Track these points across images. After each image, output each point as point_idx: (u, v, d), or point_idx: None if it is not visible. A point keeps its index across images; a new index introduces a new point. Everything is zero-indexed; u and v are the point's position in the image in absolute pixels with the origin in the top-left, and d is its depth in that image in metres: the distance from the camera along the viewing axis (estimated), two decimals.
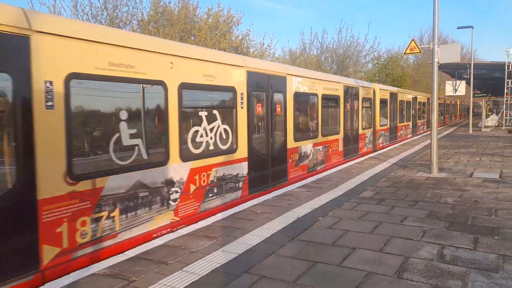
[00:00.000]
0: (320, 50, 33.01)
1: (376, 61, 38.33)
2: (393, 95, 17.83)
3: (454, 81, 25.39)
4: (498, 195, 6.97)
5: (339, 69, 31.71)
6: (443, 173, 9.35)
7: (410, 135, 21.84)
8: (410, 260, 4.09)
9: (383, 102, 16.30)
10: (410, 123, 21.85)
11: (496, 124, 28.59)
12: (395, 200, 6.74)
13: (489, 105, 39.07)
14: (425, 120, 26.59)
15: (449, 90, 24.91)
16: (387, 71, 38.39)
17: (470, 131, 24.01)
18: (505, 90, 26.92)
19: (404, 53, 10.95)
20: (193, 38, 19.79)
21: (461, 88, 24.53)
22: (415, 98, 22.94)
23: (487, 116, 30.00)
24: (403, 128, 20.29)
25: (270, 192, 7.70)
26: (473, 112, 44.79)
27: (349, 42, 32.71)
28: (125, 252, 4.54)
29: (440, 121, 30.65)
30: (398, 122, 19.06)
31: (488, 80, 32.88)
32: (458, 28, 25.32)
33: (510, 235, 4.82)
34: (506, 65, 25.93)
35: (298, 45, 36.94)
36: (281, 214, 6.00)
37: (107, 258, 4.44)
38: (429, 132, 21.08)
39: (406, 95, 20.74)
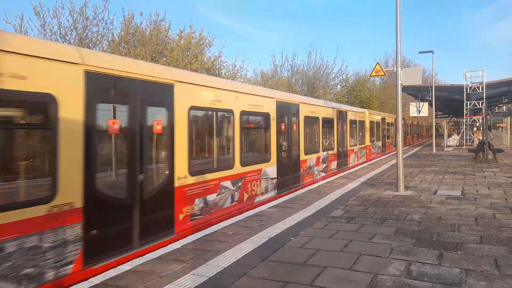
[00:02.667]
0: (291, 72, 33.85)
1: (344, 83, 39.66)
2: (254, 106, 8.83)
3: (418, 103, 26.65)
4: (461, 211, 7.27)
5: (309, 90, 32.51)
6: (409, 191, 9.67)
7: (309, 180, 11.83)
8: (379, 277, 4.17)
9: (204, 120, 7.68)
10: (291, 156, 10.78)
11: (457, 144, 30.03)
12: (364, 218, 6.88)
13: (453, 125, 40.68)
14: (343, 148, 15.36)
15: (413, 111, 26.09)
16: (355, 93, 39.74)
17: (434, 151, 25.07)
18: (465, 111, 28.48)
19: (370, 75, 11.46)
20: (165, 59, 19.80)
21: (424, 109, 25.76)
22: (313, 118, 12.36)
23: (449, 136, 31.46)
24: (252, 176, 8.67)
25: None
26: (437, 131, 46.67)
27: (318, 65, 33.81)
28: (90, 279, 4.36)
29: (374, 148, 20.90)
30: (246, 162, 8.51)
31: (449, 101, 34.70)
32: (420, 52, 26.75)
33: (472, 249, 5.02)
34: (465, 88, 27.53)
35: (270, 67, 37.70)
36: (253, 234, 5.98)
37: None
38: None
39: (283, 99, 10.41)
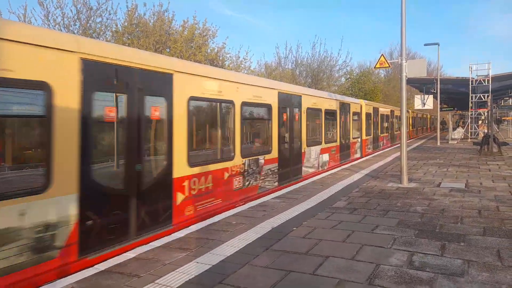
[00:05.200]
0: (295, 64, 33.65)
1: (349, 76, 39.37)
2: None
3: (422, 96, 26.48)
4: (464, 203, 7.26)
5: (313, 82, 32.35)
6: (413, 183, 9.66)
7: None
8: (381, 267, 4.19)
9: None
10: None
11: (462, 137, 29.87)
12: (367, 210, 6.89)
13: (461, 118, 40.42)
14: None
15: (418, 104, 25.94)
16: (359, 86, 39.48)
17: (438, 144, 24.96)
18: (470, 104, 28.26)
19: (375, 67, 11.35)
20: (168, 50, 19.74)
21: (429, 102, 25.61)
22: None
23: (453, 129, 31.30)
24: None
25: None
26: (444, 124, 46.49)
27: (322, 57, 33.53)
28: (95, 266, 4.41)
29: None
30: None
31: (454, 94, 34.41)
32: (425, 45, 26.52)
33: (475, 241, 5.03)
34: (470, 81, 27.28)
35: (274, 59, 37.47)
36: (256, 224, 6.01)
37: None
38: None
39: None
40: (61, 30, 17.12)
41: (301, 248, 4.85)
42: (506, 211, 6.58)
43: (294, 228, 5.77)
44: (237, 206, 7.49)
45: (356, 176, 11.10)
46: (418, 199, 7.72)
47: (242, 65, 23.15)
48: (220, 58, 21.64)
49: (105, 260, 4.62)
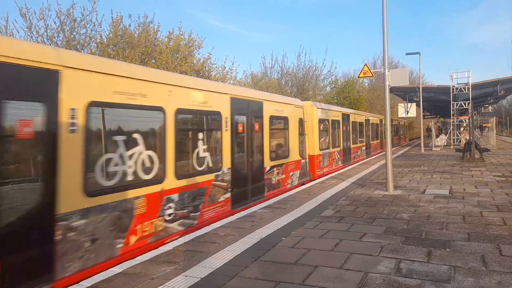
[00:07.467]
0: (280, 74, 33.94)
1: (334, 85, 39.91)
2: None
3: (406, 104, 26.99)
4: (449, 210, 7.39)
5: (299, 92, 32.65)
6: (399, 191, 9.79)
7: None
8: (369, 275, 4.21)
9: None
10: None
11: (445, 144, 30.49)
12: (355, 218, 6.95)
13: (440, 126, 41.18)
14: None
15: (401, 112, 26.41)
16: (344, 94, 40.04)
17: (422, 151, 25.40)
18: (451, 112, 28.92)
19: (358, 77, 11.55)
20: (154, 61, 19.71)
21: (412, 110, 26.10)
22: None
23: (436, 136, 31.91)
24: None
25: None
26: (430, 131, 46.63)
27: (308, 67, 33.95)
28: (81, 282, 4.32)
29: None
30: None
31: (436, 102, 35.13)
32: (407, 54, 27.10)
33: (460, 247, 5.11)
34: (451, 89, 27.97)
35: (260, 69, 37.71)
36: (245, 235, 5.99)
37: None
38: None
39: None
40: (44, 42, 16.93)
41: (290, 258, 4.85)
42: (489, 216, 6.72)
43: (283, 238, 5.77)
44: None
45: (343, 185, 11.18)
46: (404, 206, 7.82)
47: (228, 76, 23.24)
48: (206, 68, 21.69)
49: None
